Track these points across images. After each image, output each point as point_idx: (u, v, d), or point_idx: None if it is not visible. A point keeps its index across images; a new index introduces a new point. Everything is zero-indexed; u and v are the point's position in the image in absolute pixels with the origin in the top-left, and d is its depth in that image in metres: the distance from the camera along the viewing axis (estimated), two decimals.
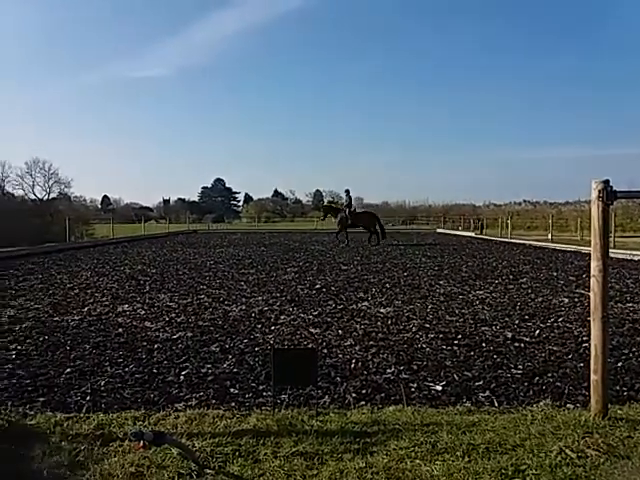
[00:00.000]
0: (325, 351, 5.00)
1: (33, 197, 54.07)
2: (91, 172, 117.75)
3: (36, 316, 6.73)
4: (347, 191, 23.36)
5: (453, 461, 2.57)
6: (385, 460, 2.59)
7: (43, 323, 6.31)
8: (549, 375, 4.27)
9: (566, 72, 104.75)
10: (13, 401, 3.62)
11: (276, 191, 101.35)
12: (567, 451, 2.67)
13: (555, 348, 5.13)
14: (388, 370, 4.42)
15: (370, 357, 4.82)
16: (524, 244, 22.37)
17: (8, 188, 51.84)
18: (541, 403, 3.50)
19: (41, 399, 3.71)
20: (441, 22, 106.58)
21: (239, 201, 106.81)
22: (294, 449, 2.71)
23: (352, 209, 22.34)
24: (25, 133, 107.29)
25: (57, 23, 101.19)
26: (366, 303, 7.64)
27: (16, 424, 3.03)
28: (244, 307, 7.34)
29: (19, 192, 53.22)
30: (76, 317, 6.67)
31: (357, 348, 5.13)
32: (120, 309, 7.22)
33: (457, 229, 39.93)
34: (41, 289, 9.14)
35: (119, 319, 6.55)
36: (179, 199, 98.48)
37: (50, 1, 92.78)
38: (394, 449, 2.71)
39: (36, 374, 4.32)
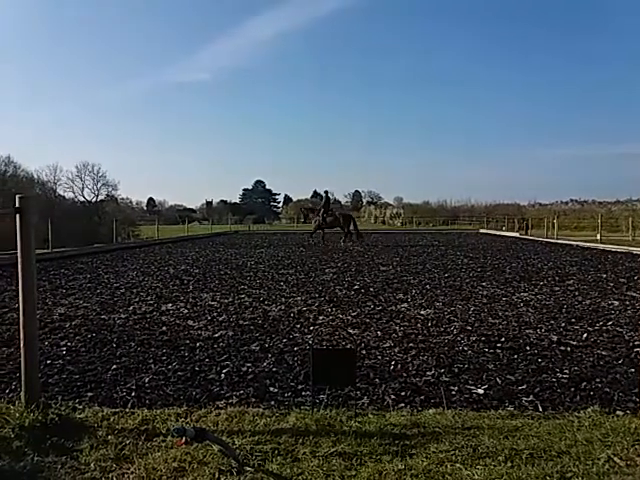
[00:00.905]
0: (364, 352, 4.98)
1: (82, 199, 56.13)
2: (137, 175, 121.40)
3: (85, 314, 6.99)
4: (326, 192, 24.94)
5: (495, 466, 2.52)
6: (425, 463, 2.56)
7: (91, 321, 6.54)
8: (597, 380, 4.12)
9: (614, 72, 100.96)
10: (63, 395, 3.77)
11: (315, 192, 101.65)
12: (615, 459, 2.57)
13: (604, 353, 4.94)
14: (428, 372, 4.36)
15: (410, 359, 4.77)
16: (571, 245, 21.66)
17: (59, 191, 54.00)
18: (589, 409, 3.37)
19: (89, 394, 3.85)
20: (482, 21, 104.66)
21: (279, 202, 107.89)
22: (333, 449, 2.71)
23: (328, 211, 23.14)
24: (75, 137, 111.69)
25: (110, 32, 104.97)
26: (406, 304, 7.57)
27: (66, 418, 3.14)
28: (283, 307, 7.40)
29: (69, 195, 55.40)
30: (122, 315, 6.88)
31: (396, 350, 5.09)
32: (164, 308, 7.41)
33: (501, 229, 39.03)
34: (89, 288, 9.49)
35: (163, 318, 6.72)
36: (221, 201, 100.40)
37: (105, 11, 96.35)
38: (434, 452, 2.68)
39: (84, 370, 4.48)
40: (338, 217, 23.01)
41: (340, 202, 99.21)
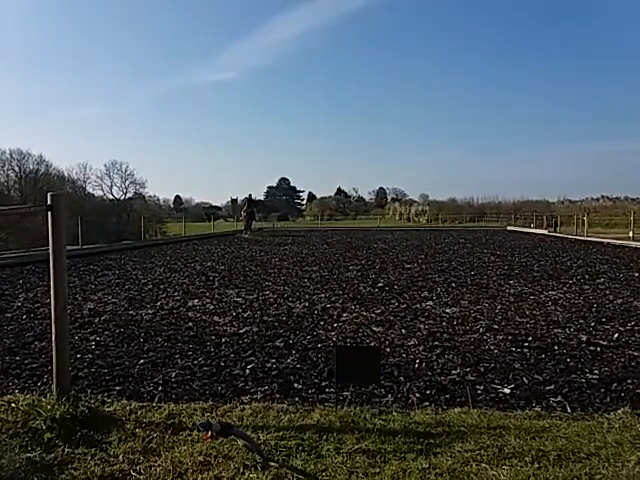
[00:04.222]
0: (388, 350, 4.96)
1: (111, 197, 57.24)
2: (164, 173, 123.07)
3: (113, 310, 7.13)
4: (250, 195, 33.04)
5: (521, 467, 2.48)
6: (449, 462, 2.53)
7: (119, 316, 6.67)
8: (628, 382, 4.01)
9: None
10: (92, 389, 3.87)
11: (339, 189, 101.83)
12: None
13: (636, 353, 4.81)
14: (453, 371, 4.32)
15: (435, 358, 4.73)
16: (602, 242, 21.13)
17: (89, 189, 55.23)
18: (619, 411, 3.29)
19: (117, 388, 3.93)
20: (505, 20, 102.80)
21: (303, 200, 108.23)
22: (357, 446, 2.71)
23: (246, 209, 30.82)
24: (104, 136, 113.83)
25: (140, 30, 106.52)
26: (431, 302, 7.51)
27: (96, 411, 3.22)
28: (307, 304, 7.42)
29: (98, 192, 56.59)
30: (150, 311, 7.00)
31: (421, 348, 5.05)
32: (190, 304, 7.51)
33: (529, 226, 38.28)
34: (118, 284, 9.67)
35: (189, 313, 6.81)
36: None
37: (134, 14, 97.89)
38: (459, 451, 2.65)
39: (113, 364, 4.58)
40: (246, 215, 30.65)
41: (364, 199, 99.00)
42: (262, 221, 61.56)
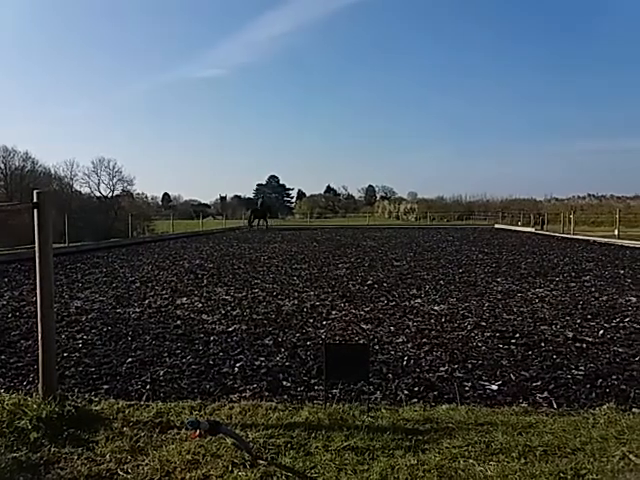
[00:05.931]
0: (377, 347, 4.98)
1: (99, 194, 56.59)
2: (153, 170, 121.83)
3: (100, 308, 7.08)
4: (262, 196, 38.49)
5: (508, 462, 2.51)
6: (437, 458, 2.55)
7: (107, 314, 6.62)
8: (613, 377, 4.07)
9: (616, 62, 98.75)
10: (80, 388, 3.83)
11: (328, 187, 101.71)
12: (631, 456, 2.54)
13: (620, 349, 4.88)
14: (441, 368, 4.35)
15: (423, 355, 4.76)
16: (588, 240, 21.37)
17: (76, 186, 54.55)
18: (604, 406, 3.33)
19: (105, 387, 3.91)
20: (500, 18, 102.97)
21: (292, 197, 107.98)
22: (345, 443, 2.72)
23: (258, 208, 37.28)
24: (92, 133, 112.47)
25: (131, 28, 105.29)
26: (419, 300, 7.54)
27: (83, 410, 3.19)
28: (296, 302, 7.42)
29: (85, 190, 55.87)
30: (137, 309, 6.96)
31: (409, 345, 5.08)
32: (179, 302, 7.47)
33: (516, 224, 38.59)
34: (105, 282, 9.60)
35: (178, 312, 6.78)
36: (235, 196, 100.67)
37: (121, 11, 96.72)
38: (447, 447, 2.67)
39: (100, 363, 4.55)
40: (259, 213, 36.51)
41: (354, 197, 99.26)
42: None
